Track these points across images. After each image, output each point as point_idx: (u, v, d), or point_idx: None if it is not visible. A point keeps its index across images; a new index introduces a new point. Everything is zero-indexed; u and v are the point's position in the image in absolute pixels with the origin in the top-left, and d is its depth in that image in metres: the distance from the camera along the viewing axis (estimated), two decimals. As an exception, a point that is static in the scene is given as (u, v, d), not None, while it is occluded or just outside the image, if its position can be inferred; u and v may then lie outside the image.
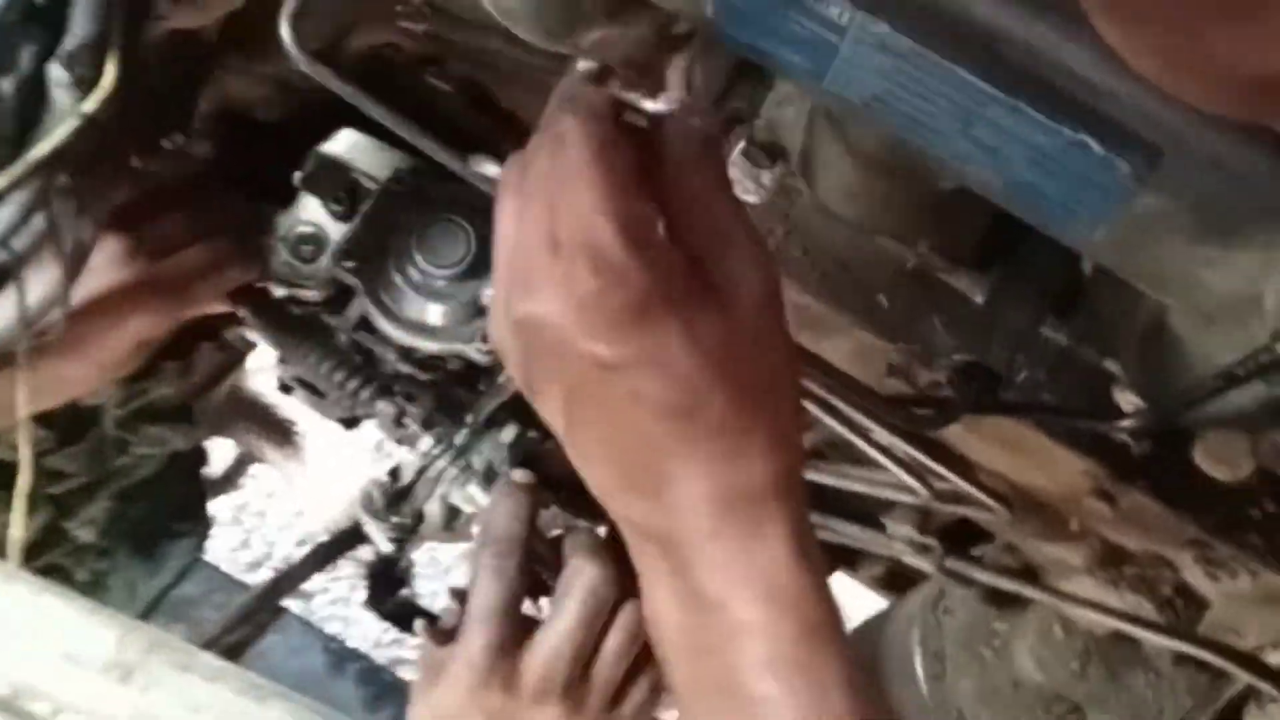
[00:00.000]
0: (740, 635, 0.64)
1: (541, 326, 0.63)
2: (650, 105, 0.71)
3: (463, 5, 0.90)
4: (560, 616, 0.88)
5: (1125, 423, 0.85)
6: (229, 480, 2.31)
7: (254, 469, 2.29)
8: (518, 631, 0.88)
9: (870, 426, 0.88)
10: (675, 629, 0.67)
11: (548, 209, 0.63)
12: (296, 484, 2.20)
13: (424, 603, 1.08)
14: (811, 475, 1.06)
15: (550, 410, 0.68)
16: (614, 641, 0.88)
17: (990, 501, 0.93)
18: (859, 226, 0.83)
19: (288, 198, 1.10)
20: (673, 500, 0.64)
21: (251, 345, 1.28)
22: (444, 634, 0.91)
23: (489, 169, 0.85)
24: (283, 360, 1.09)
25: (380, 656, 2.48)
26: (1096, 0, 0.49)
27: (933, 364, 0.95)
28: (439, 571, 2.46)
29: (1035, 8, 0.61)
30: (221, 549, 2.47)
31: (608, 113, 0.67)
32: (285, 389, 1.14)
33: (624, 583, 0.88)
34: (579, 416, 0.66)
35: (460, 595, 0.92)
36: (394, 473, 1.08)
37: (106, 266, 1.00)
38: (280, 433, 2.13)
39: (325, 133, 1.11)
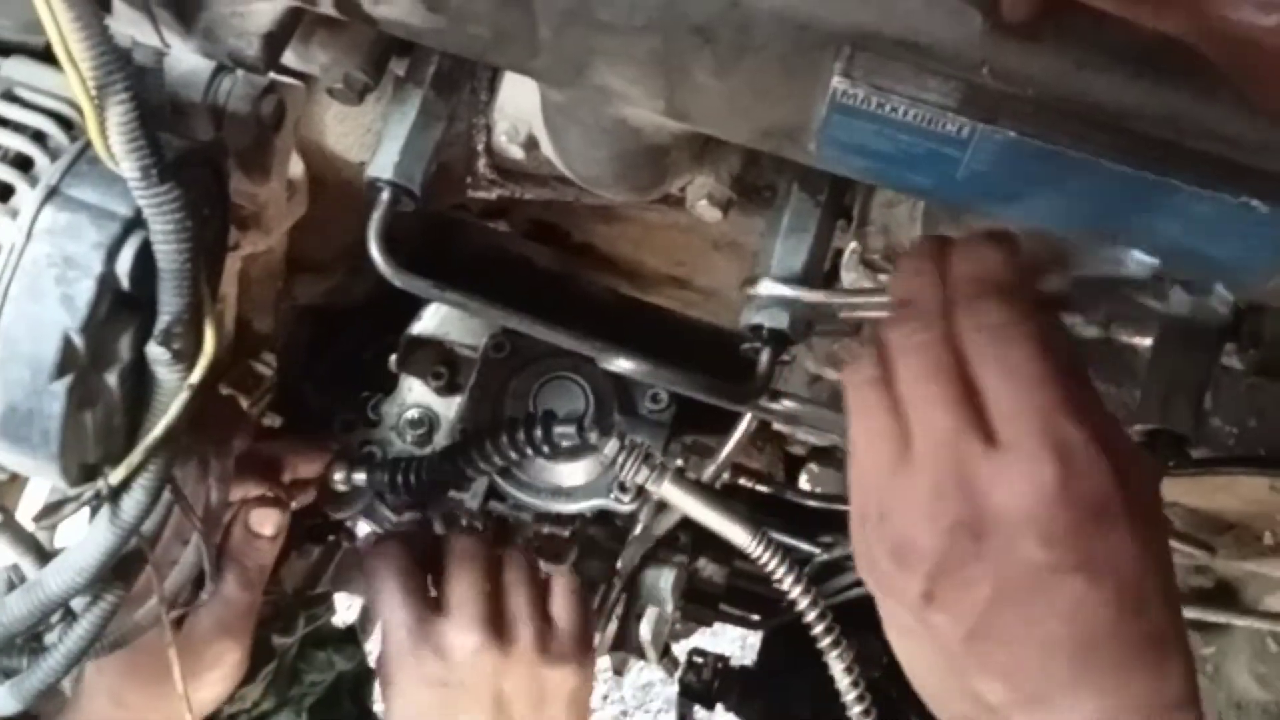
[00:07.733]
0: None
1: (984, 524, 0.59)
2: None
3: (538, 161, 0.86)
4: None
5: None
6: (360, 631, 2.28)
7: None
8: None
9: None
10: None
11: (968, 407, 0.60)
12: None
13: None
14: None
15: (955, 613, 0.61)
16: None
17: (1189, 549, 0.88)
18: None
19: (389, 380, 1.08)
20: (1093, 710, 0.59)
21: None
22: None
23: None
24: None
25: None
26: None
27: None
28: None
29: (1162, 77, 0.57)
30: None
31: (1034, 303, 0.63)
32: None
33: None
34: (999, 621, 0.60)
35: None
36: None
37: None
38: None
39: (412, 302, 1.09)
